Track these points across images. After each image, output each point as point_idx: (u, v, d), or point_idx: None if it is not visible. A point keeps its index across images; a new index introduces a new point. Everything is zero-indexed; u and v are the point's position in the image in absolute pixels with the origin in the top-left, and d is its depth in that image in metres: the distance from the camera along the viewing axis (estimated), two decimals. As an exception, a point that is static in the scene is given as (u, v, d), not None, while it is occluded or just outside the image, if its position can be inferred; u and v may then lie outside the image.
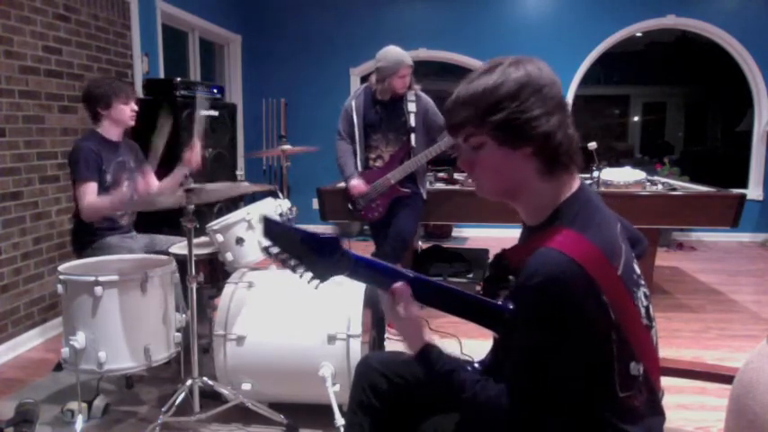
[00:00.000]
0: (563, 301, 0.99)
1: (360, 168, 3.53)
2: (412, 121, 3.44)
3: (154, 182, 3.00)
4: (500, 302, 1.17)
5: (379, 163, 3.53)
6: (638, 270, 1.15)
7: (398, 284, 1.14)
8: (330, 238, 1.08)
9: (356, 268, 1.12)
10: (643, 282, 1.16)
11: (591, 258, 1.01)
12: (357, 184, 3.47)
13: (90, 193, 2.68)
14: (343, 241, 1.11)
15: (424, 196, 3.62)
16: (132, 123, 2.89)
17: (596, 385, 1.06)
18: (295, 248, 1.10)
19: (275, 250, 1.11)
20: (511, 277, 1.17)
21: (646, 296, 1.15)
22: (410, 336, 1.17)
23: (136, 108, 2.88)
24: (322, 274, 1.11)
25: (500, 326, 1.23)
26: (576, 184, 1.13)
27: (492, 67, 1.08)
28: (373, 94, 3.47)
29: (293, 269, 1.11)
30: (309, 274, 1.10)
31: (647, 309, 1.14)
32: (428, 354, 1.15)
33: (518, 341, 1.06)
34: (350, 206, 3.56)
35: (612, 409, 1.07)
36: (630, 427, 1.08)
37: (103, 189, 2.76)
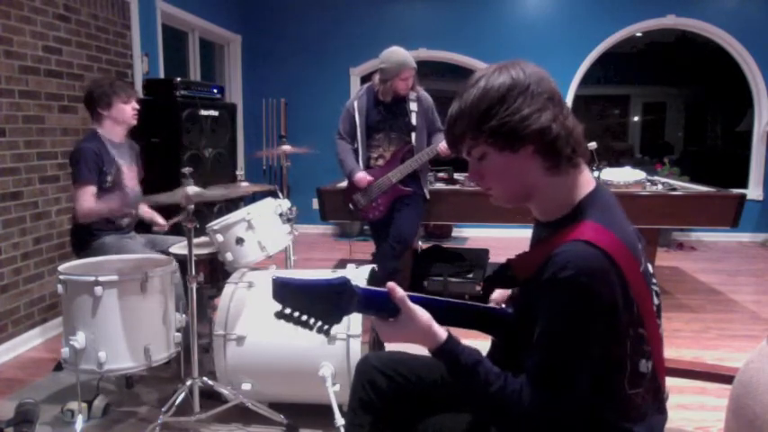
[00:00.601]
0: (595, 295, 0.99)
1: (361, 167, 3.52)
2: (414, 120, 3.44)
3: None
4: (500, 307, 1.17)
5: (380, 162, 3.52)
6: (650, 269, 1.16)
7: (391, 283, 1.12)
8: (337, 281, 1.09)
9: (367, 304, 1.12)
10: (655, 281, 1.17)
11: (619, 252, 1.02)
12: (363, 176, 3.45)
13: (87, 197, 2.68)
14: (350, 281, 1.11)
15: (427, 196, 3.61)
16: (134, 122, 2.90)
17: (605, 381, 1.06)
18: (305, 301, 1.10)
19: (288, 311, 1.11)
20: (516, 288, 1.17)
21: (657, 295, 1.16)
22: (421, 337, 1.12)
23: (137, 106, 2.89)
24: (335, 318, 1.11)
25: (501, 331, 1.23)
26: (592, 184, 1.14)
27: (478, 79, 1.10)
28: (376, 94, 3.47)
29: (307, 326, 1.11)
30: (319, 324, 1.11)
31: (658, 307, 1.15)
32: (447, 348, 1.10)
33: (542, 335, 1.04)
34: (351, 206, 3.55)
35: (617, 406, 1.08)
36: (633, 426, 1.09)
37: (103, 190, 2.75)
